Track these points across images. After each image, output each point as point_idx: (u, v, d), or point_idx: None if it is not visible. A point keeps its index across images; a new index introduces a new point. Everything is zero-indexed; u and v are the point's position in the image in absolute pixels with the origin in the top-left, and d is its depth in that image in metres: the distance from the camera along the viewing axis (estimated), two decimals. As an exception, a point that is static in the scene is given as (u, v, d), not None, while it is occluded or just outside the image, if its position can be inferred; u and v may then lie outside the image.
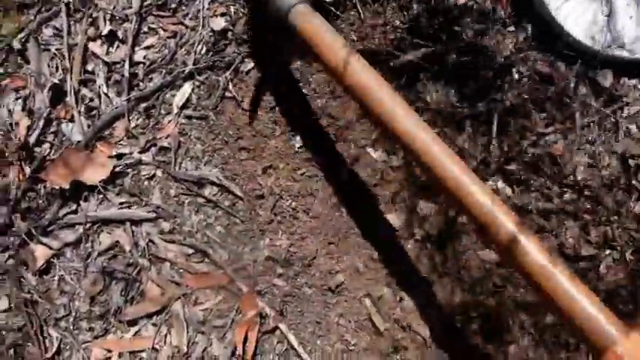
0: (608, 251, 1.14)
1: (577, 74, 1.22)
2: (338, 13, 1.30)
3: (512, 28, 1.26)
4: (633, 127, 1.19)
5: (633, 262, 1.12)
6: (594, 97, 1.21)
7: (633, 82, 1.21)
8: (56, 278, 1.17)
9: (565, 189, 1.17)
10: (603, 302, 1.09)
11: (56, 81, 1.25)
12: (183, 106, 1.26)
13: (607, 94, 1.21)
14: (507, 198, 1.20)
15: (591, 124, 1.20)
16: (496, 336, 1.13)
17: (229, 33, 1.29)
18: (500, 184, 1.21)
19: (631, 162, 1.16)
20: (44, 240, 1.18)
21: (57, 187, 1.20)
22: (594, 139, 1.19)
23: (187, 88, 1.27)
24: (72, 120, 1.25)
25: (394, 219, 1.22)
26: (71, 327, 1.15)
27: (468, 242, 1.19)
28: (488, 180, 1.21)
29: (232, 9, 1.31)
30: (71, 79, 1.26)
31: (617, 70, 1.22)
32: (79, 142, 1.23)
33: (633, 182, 1.15)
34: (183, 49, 1.29)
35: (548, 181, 1.18)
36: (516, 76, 1.23)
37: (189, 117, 1.26)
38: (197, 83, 1.28)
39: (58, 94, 1.26)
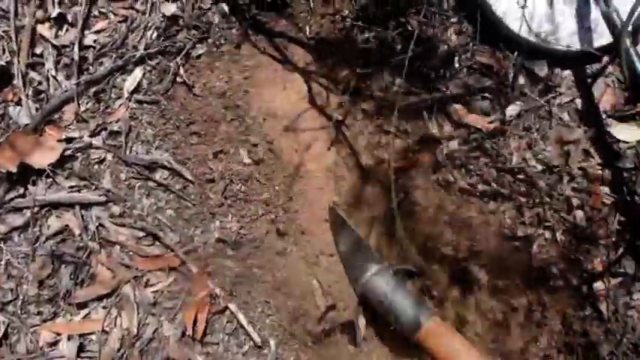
0: (540, 231, 1.21)
1: (515, 65, 1.28)
2: (287, 1, 1.32)
3: (455, 20, 1.31)
4: (565, 115, 1.26)
5: (563, 241, 1.19)
6: (531, 87, 1.28)
7: (566, 72, 1.28)
8: (3, 262, 1.16)
9: (502, 173, 1.24)
10: (535, 280, 1.18)
11: (3, 63, 1.24)
12: (134, 91, 1.27)
13: (543, 84, 1.28)
14: (453, 181, 1.26)
15: (528, 112, 1.27)
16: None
17: (180, 20, 1.30)
18: (445, 169, 1.27)
19: (563, 148, 1.23)
20: (-10, 224, 1.17)
21: (3, 171, 1.18)
22: (530, 126, 1.26)
23: (138, 72, 1.28)
24: (19, 103, 1.23)
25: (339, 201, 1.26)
26: (19, 311, 1.14)
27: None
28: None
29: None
30: (19, 62, 1.25)
31: (552, 62, 1.29)
32: (26, 125, 1.22)
33: (564, 167, 1.22)
34: (134, 34, 1.29)
35: (487, 166, 1.25)
36: (458, 65, 1.28)
37: (140, 102, 1.27)
38: (148, 68, 1.28)
39: (5, 77, 1.24)
